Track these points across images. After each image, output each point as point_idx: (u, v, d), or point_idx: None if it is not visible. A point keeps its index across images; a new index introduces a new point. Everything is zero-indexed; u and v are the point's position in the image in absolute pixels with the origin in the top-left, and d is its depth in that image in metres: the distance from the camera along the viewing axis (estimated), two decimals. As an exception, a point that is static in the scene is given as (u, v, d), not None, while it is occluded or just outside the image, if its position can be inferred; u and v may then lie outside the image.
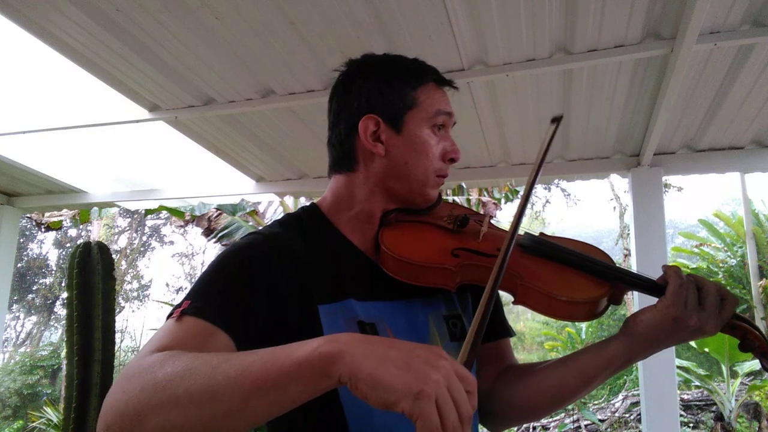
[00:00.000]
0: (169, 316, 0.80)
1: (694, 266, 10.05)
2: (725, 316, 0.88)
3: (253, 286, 0.84)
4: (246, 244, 0.91)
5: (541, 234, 1.02)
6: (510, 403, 1.03)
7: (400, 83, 0.98)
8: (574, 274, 0.94)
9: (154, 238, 20.00)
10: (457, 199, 5.25)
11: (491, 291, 0.80)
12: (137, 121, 2.62)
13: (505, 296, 0.99)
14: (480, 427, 1.05)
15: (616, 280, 0.93)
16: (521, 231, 0.97)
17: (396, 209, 1.01)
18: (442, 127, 1.00)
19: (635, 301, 2.78)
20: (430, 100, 0.99)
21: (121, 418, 0.63)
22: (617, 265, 0.97)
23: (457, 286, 0.94)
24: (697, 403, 7.58)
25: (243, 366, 0.63)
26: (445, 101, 1.01)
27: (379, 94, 0.98)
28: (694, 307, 0.86)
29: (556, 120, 1.04)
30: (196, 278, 0.87)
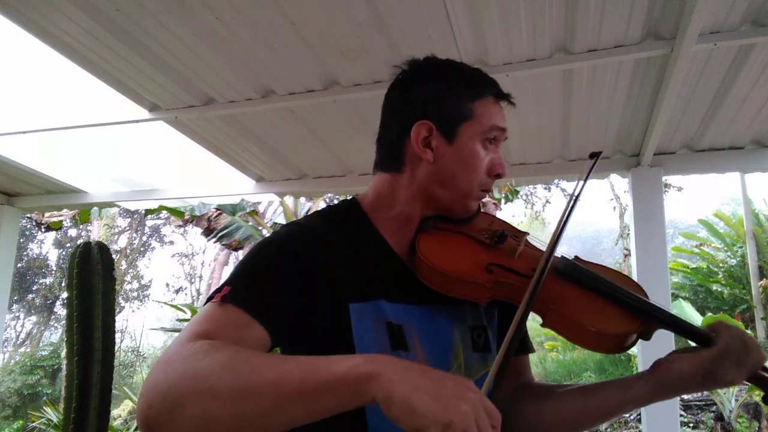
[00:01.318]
0: (209, 299, 0.83)
1: (694, 266, 10.05)
2: (756, 370, 0.86)
3: (284, 281, 0.86)
4: (283, 236, 0.93)
5: (576, 258, 1.01)
6: (524, 421, 1.03)
7: (460, 93, 0.98)
8: (606, 306, 0.93)
9: (154, 238, 20.01)
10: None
11: (522, 315, 0.81)
12: (137, 121, 2.62)
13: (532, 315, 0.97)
14: None
15: (648, 318, 0.91)
16: (557, 254, 0.97)
17: (435, 216, 1.01)
18: (494, 141, 1.00)
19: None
20: (487, 114, 0.98)
21: (164, 399, 0.66)
22: (648, 299, 0.95)
23: (488, 301, 0.94)
24: (697, 403, 7.58)
25: (281, 371, 0.66)
26: (501, 116, 1.01)
27: (436, 101, 0.97)
28: (735, 364, 0.85)
29: (595, 155, 1.05)
30: (237, 263, 0.91)
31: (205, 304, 0.83)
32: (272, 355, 0.70)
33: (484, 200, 5.87)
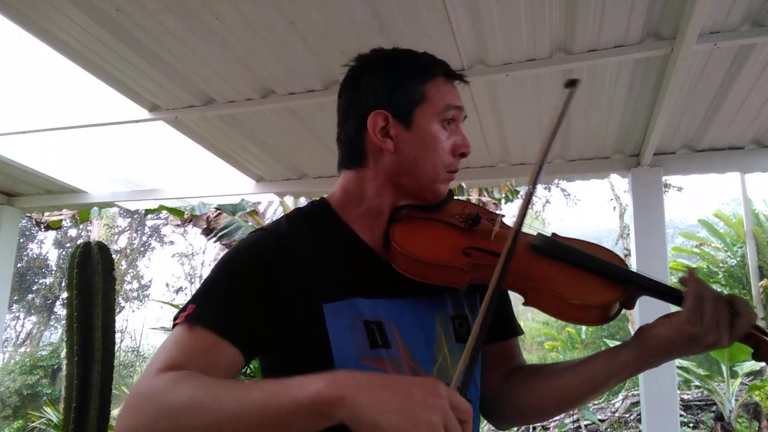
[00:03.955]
0: (175, 320, 0.83)
1: (694, 266, 10.05)
2: (742, 330, 0.84)
3: (254, 291, 0.85)
4: (248, 243, 0.92)
5: (554, 235, 1.00)
6: (517, 404, 1.03)
7: (409, 78, 0.97)
8: (586, 277, 0.92)
9: (154, 238, 20.00)
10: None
11: (492, 295, 0.80)
12: (137, 121, 2.62)
13: (516, 297, 0.98)
14: (482, 423, 1.05)
15: (629, 284, 0.91)
16: (534, 232, 0.96)
17: (407, 205, 1.00)
18: (452, 122, 0.99)
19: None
20: (440, 95, 0.97)
21: None
22: (629, 267, 0.94)
23: (467, 285, 0.93)
24: (697, 403, 7.58)
25: (246, 402, 0.67)
26: (454, 95, 1.00)
27: (387, 89, 0.97)
28: (711, 324, 0.82)
29: (572, 83, 0.96)
30: (203, 277, 0.90)
31: (173, 325, 0.83)
32: (236, 384, 0.71)
33: (484, 200, 5.87)
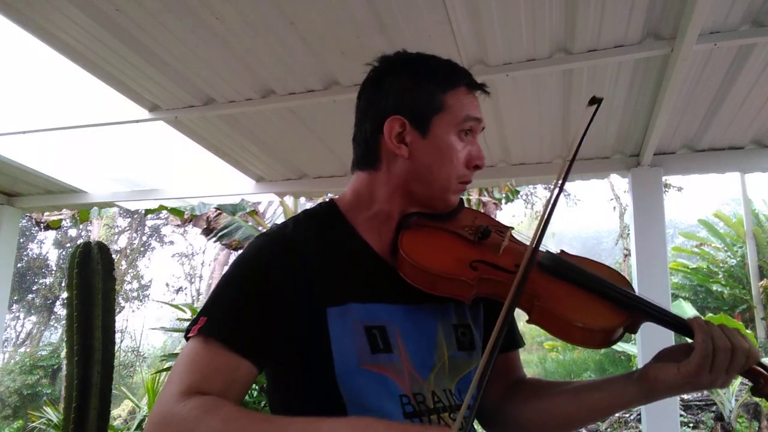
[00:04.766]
0: (187, 333, 0.84)
1: (694, 266, 10.06)
2: (746, 368, 0.84)
3: (262, 297, 0.86)
4: (253, 250, 0.92)
5: (562, 252, 1.00)
6: (516, 421, 1.03)
7: (430, 85, 0.96)
8: (592, 300, 0.91)
9: (154, 238, 19.99)
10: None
11: (506, 315, 0.80)
12: (137, 121, 2.62)
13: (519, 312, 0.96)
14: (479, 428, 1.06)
15: (635, 311, 0.90)
16: (542, 248, 0.95)
17: (417, 213, 0.99)
18: (470, 132, 0.98)
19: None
20: (460, 105, 0.97)
21: None
22: (635, 292, 0.94)
23: (472, 298, 0.93)
24: (697, 403, 7.57)
25: None
26: (475, 106, 0.99)
27: (407, 95, 0.96)
28: (720, 372, 0.82)
29: (596, 102, 0.97)
30: (203, 277, 0.91)
31: (186, 337, 0.84)
32: (261, 421, 0.75)
33: (484, 200, 5.86)
